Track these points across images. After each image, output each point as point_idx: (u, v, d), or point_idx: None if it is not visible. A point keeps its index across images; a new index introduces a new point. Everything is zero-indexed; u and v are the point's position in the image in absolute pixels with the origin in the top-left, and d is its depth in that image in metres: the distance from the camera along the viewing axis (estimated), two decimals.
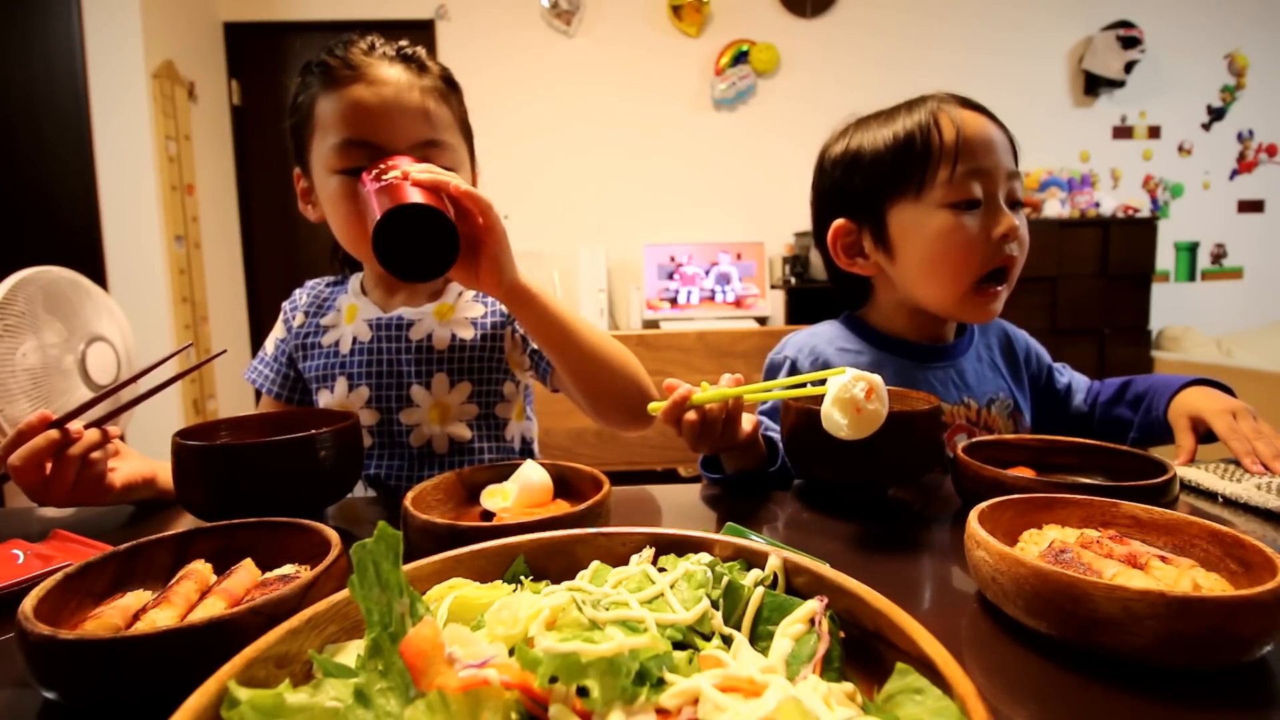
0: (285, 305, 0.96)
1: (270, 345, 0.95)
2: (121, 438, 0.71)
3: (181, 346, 0.81)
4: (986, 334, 0.98)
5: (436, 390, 0.86)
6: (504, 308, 0.87)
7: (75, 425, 0.65)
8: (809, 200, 0.96)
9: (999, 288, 0.83)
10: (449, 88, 0.83)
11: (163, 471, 0.72)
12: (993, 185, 0.80)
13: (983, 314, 0.85)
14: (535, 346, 0.88)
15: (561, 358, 0.77)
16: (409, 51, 0.81)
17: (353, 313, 0.90)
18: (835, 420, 0.57)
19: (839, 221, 0.88)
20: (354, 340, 0.88)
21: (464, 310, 0.89)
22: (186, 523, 0.65)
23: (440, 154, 0.78)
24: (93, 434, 0.66)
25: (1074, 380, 0.99)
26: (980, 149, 0.80)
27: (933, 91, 0.86)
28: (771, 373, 0.93)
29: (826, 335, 0.93)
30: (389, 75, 0.77)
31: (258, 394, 0.95)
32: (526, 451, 0.95)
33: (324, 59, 0.79)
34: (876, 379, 0.57)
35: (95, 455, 0.66)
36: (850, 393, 0.56)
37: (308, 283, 0.97)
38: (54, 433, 0.63)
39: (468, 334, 0.87)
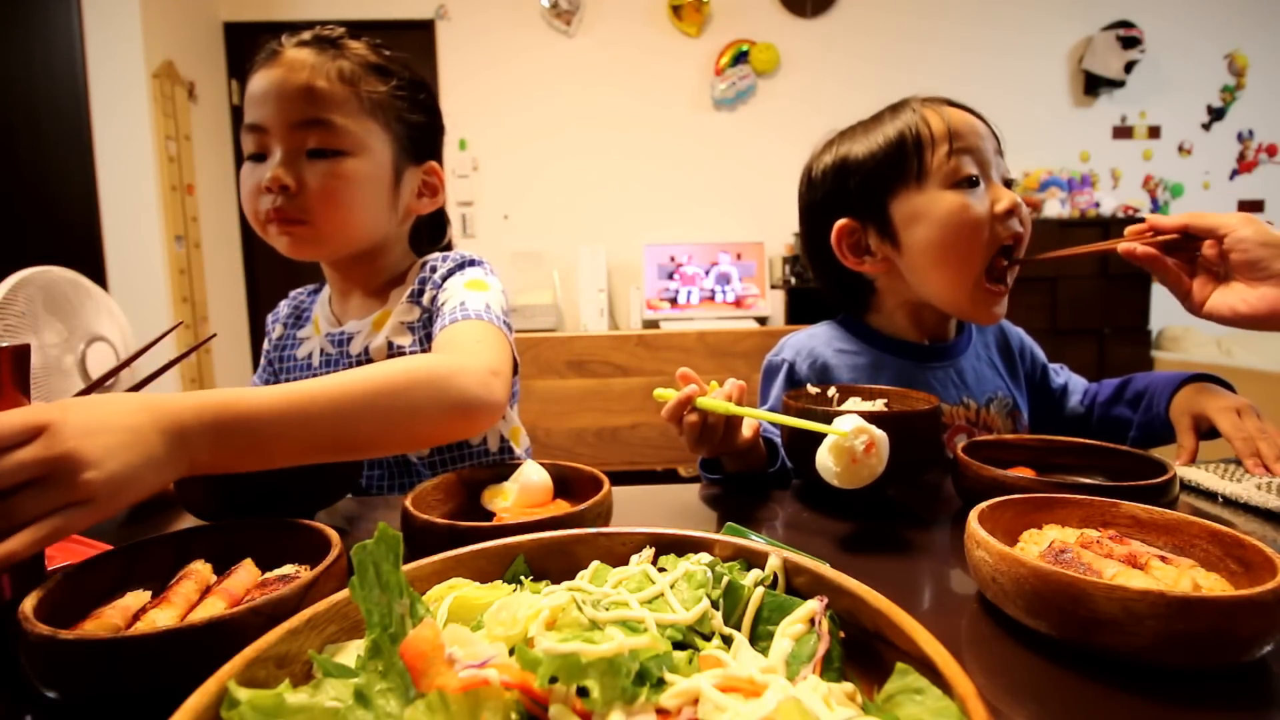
0: (269, 318, 0.97)
1: (262, 359, 0.96)
2: None
3: (173, 325, 0.79)
4: (984, 332, 0.97)
5: None
6: (440, 305, 0.80)
7: None
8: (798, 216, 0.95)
9: (1004, 285, 0.83)
10: (367, 71, 0.79)
11: None
12: (985, 163, 0.83)
13: (989, 314, 0.84)
14: None
15: (341, 449, 0.56)
16: (326, 35, 0.79)
17: (318, 324, 0.90)
18: (828, 466, 0.56)
19: (842, 221, 0.87)
20: (321, 353, 0.87)
21: (400, 315, 0.84)
22: (186, 523, 0.65)
23: (326, 135, 0.75)
24: None
25: (1071, 381, 0.99)
26: (967, 131, 0.82)
27: (911, 96, 0.88)
28: (770, 375, 0.92)
29: (824, 336, 0.93)
30: (289, 57, 0.76)
31: None
32: (508, 450, 0.93)
33: (263, 48, 0.79)
34: (880, 435, 0.56)
35: None
36: (849, 443, 0.55)
37: (291, 293, 0.98)
38: None
39: (405, 339, 0.83)
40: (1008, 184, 0.84)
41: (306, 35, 0.78)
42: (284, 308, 0.96)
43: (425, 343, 0.82)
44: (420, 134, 0.85)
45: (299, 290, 0.98)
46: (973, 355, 0.93)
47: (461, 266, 0.85)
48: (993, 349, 0.96)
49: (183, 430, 0.45)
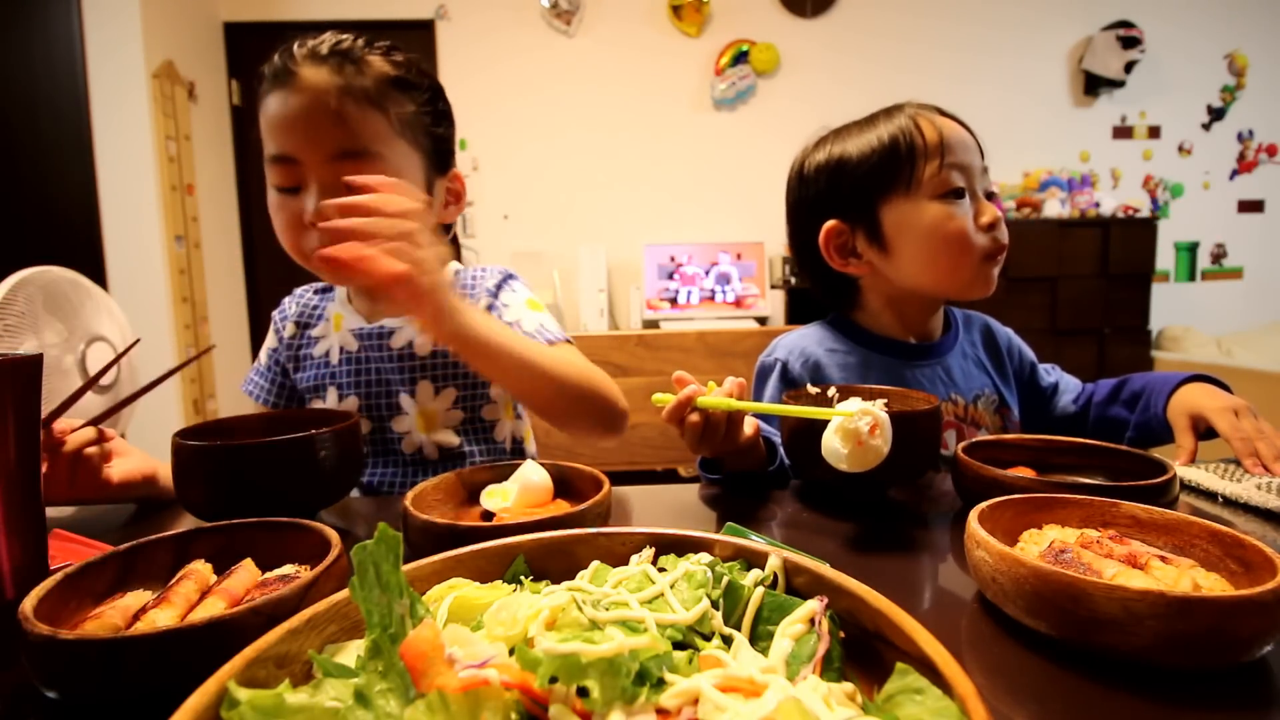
0: (275, 315, 0.96)
1: (264, 356, 0.95)
2: (123, 435, 0.71)
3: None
4: (970, 330, 0.99)
5: (421, 397, 0.86)
6: (513, 323, 0.84)
7: (73, 421, 0.65)
8: (785, 210, 0.97)
9: (994, 261, 0.86)
10: (393, 88, 0.76)
11: (163, 470, 0.72)
12: (971, 179, 0.85)
13: (986, 286, 0.87)
14: None
15: (522, 396, 0.76)
16: (344, 48, 0.75)
17: (339, 322, 0.89)
18: (835, 450, 0.57)
19: (830, 223, 0.89)
20: (342, 350, 0.87)
21: None
22: (186, 523, 0.65)
23: (365, 165, 0.72)
24: (87, 432, 0.66)
25: (1062, 381, 1.00)
26: (958, 146, 0.84)
27: (905, 101, 0.89)
28: (763, 375, 0.93)
29: (814, 336, 0.94)
30: (310, 79, 0.72)
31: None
32: (518, 452, 0.94)
33: (272, 59, 0.75)
34: (883, 416, 0.56)
35: (90, 451, 0.66)
36: (854, 424, 0.56)
37: (296, 290, 0.97)
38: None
39: None
40: (989, 196, 0.87)
41: (321, 48, 0.75)
42: (291, 305, 0.95)
43: None
44: (445, 145, 0.85)
45: (303, 289, 0.97)
46: (959, 353, 0.94)
47: (504, 281, 0.89)
48: (979, 347, 0.98)
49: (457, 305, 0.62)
